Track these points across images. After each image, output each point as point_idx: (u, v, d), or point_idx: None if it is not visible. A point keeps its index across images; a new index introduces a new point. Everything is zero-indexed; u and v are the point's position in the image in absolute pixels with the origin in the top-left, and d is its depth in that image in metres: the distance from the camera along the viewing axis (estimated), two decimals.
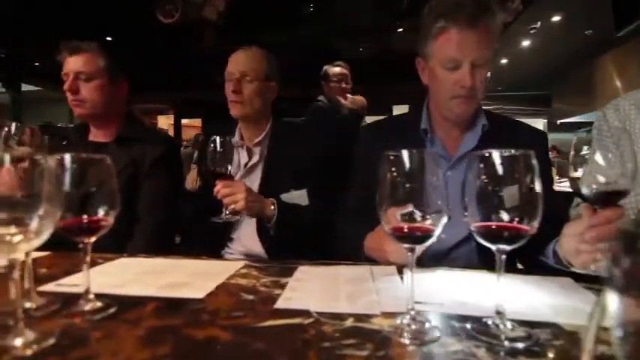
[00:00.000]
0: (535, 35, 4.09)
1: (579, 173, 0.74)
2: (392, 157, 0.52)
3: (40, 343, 0.47)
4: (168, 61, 5.92)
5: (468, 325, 0.53)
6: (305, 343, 0.48)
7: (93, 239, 0.59)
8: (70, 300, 0.62)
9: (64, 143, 1.32)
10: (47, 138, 1.06)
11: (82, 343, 0.48)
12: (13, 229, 0.46)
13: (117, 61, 1.29)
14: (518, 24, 3.81)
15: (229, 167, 1.12)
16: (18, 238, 0.47)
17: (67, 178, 0.56)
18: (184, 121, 9.02)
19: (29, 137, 0.86)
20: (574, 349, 0.48)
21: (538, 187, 0.50)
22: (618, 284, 0.23)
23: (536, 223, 0.50)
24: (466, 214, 0.53)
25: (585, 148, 0.77)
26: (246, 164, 1.36)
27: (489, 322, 0.52)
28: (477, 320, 0.54)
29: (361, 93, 3.41)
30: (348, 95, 2.77)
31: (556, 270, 0.79)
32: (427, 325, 0.52)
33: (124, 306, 0.59)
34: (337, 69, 2.74)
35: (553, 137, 4.58)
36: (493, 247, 0.52)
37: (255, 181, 1.33)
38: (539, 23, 3.80)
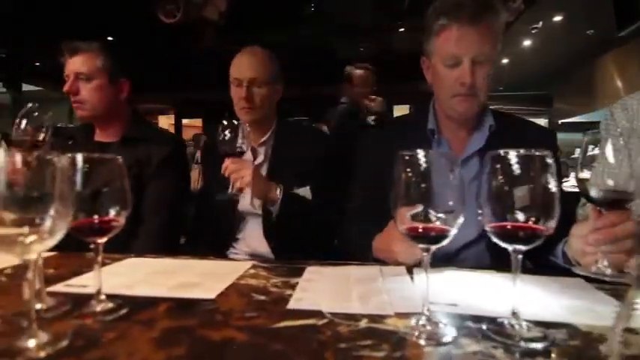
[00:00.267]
0: (536, 35, 4.10)
1: (587, 174, 0.74)
2: (407, 157, 0.51)
3: (53, 345, 0.47)
4: (169, 61, 5.92)
5: (484, 326, 0.53)
6: (321, 344, 0.47)
7: (104, 240, 0.59)
8: (80, 301, 0.62)
9: (70, 143, 1.31)
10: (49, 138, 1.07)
11: (96, 345, 0.47)
12: (26, 230, 0.46)
13: (117, 61, 1.28)
14: (519, 24, 3.81)
15: (243, 146, 1.12)
16: (32, 238, 0.46)
17: (79, 178, 0.55)
18: (185, 121, 9.02)
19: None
20: (591, 350, 0.48)
21: (554, 187, 0.50)
22: None
23: (552, 224, 0.49)
24: (480, 212, 0.52)
25: (591, 147, 0.77)
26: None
27: (505, 322, 0.52)
28: (491, 321, 0.54)
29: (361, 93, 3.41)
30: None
31: (566, 270, 0.79)
32: (442, 325, 0.52)
33: (135, 307, 0.59)
34: (361, 71, 2.66)
35: None
36: (509, 248, 0.52)
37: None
38: (540, 23, 3.80)
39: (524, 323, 0.51)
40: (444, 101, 1.05)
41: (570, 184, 2.32)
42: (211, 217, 1.37)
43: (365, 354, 0.45)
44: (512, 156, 0.50)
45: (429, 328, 0.51)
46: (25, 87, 6.26)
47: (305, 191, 1.31)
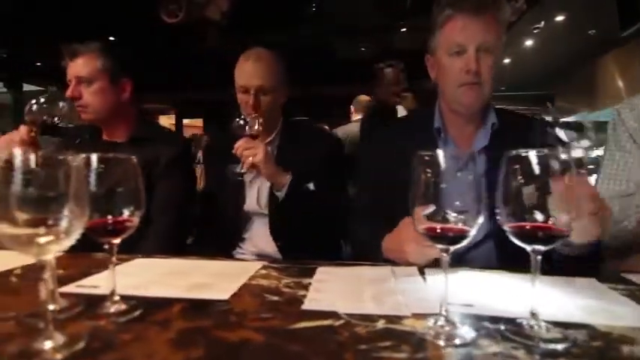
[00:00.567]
0: (538, 35, 4.10)
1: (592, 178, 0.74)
2: (426, 158, 0.51)
3: (70, 347, 0.46)
4: (169, 61, 5.91)
5: (502, 327, 0.52)
6: (340, 346, 0.47)
7: (118, 240, 0.58)
8: (93, 301, 0.61)
9: (78, 142, 1.31)
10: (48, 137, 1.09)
11: (113, 347, 0.47)
12: (42, 230, 0.46)
13: (118, 61, 1.27)
14: (521, 23, 3.81)
15: (256, 127, 1.17)
16: (48, 238, 0.46)
17: (94, 178, 0.55)
18: (185, 121, 9.01)
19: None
20: (612, 351, 0.47)
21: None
22: None
23: (573, 224, 0.49)
24: (498, 211, 0.52)
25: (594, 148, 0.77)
26: None
27: (524, 323, 0.52)
28: (509, 321, 0.53)
29: (362, 93, 3.40)
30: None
31: (577, 271, 0.78)
32: (460, 326, 0.52)
33: (149, 307, 0.59)
34: (389, 69, 2.58)
35: None
36: (528, 248, 0.52)
37: (265, 181, 1.32)
38: (542, 23, 3.80)
39: (543, 324, 0.51)
40: (449, 94, 1.05)
41: None
42: (217, 218, 1.37)
43: (385, 355, 0.45)
44: (532, 156, 0.50)
45: (447, 328, 0.51)
46: (26, 87, 6.25)
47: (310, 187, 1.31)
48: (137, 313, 0.57)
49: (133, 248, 1.09)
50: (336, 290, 0.68)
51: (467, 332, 0.50)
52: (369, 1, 4.48)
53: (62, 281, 0.71)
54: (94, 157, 0.55)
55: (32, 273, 0.79)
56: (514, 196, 0.51)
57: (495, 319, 0.55)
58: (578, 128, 0.76)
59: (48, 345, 0.46)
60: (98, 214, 0.55)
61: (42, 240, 0.46)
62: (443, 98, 1.11)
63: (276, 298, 0.64)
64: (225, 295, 0.65)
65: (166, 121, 9.11)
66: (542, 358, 0.45)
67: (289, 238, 1.29)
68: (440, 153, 0.50)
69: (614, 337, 0.50)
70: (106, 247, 0.58)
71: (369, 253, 1.01)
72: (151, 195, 1.21)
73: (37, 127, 1.07)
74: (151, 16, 3.90)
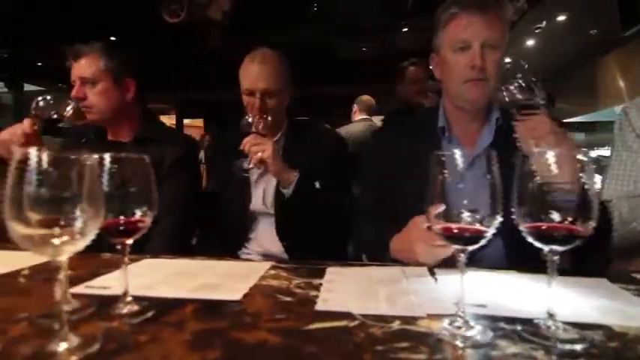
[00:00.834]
0: (540, 35, 4.10)
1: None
2: (443, 158, 0.51)
3: (85, 349, 0.46)
4: (170, 60, 5.89)
5: (518, 327, 0.52)
6: (357, 347, 0.47)
7: (131, 241, 0.58)
8: (104, 302, 0.61)
9: (83, 141, 1.30)
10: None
11: (128, 348, 0.47)
12: (57, 231, 0.45)
13: (121, 61, 1.27)
14: (523, 23, 3.81)
15: (260, 127, 1.18)
16: (63, 239, 0.45)
17: (106, 178, 0.55)
18: (186, 121, 9.00)
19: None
20: (629, 351, 0.47)
21: (593, 187, 0.49)
22: None
23: (591, 224, 0.49)
24: (513, 210, 0.52)
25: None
26: None
27: (540, 323, 0.51)
28: (525, 322, 0.53)
29: (363, 93, 3.40)
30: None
31: (588, 271, 0.78)
32: (477, 327, 0.51)
33: (162, 308, 0.58)
34: (412, 67, 2.50)
35: None
36: (545, 249, 0.51)
37: (272, 179, 1.32)
38: (544, 23, 3.80)
39: (560, 324, 0.50)
40: (454, 90, 1.05)
41: None
42: (223, 218, 1.36)
43: (403, 356, 0.44)
44: (550, 156, 0.50)
45: (463, 329, 0.50)
46: (27, 87, 6.25)
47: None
48: (150, 314, 0.56)
49: (137, 248, 1.09)
50: (348, 291, 0.67)
51: (484, 333, 0.50)
52: (370, 1, 4.48)
53: (71, 282, 0.70)
54: (107, 157, 0.55)
55: (40, 273, 0.79)
56: (530, 197, 0.50)
57: (511, 320, 0.54)
58: (529, 88, 0.84)
59: (63, 347, 0.46)
60: (111, 214, 0.55)
61: (57, 241, 0.45)
62: (447, 96, 1.11)
63: (288, 298, 0.64)
64: (236, 296, 0.64)
65: (167, 121, 9.09)
66: (561, 359, 0.45)
67: (295, 237, 1.28)
68: (457, 153, 0.50)
69: (630, 338, 0.50)
70: (119, 247, 0.58)
71: (375, 253, 1.00)
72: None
73: (42, 123, 1.08)
74: (152, 15, 3.89)
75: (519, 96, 0.85)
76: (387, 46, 5.66)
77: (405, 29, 4.92)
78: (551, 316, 0.51)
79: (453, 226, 0.51)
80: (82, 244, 0.47)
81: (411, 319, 0.55)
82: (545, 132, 0.80)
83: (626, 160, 1.11)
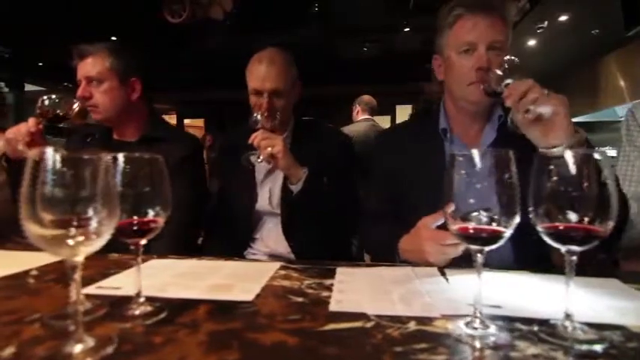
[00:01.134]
0: (542, 35, 4.09)
1: None
2: (460, 158, 0.50)
3: (100, 350, 0.46)
4: (171, 60, 5.89)
5: (535, 328, 0.52)
6: (375, 348, 0.46)
7: (144, 241, 0.58)
8: (116, 303, 0.61)
9: (88, 141, 1.30)
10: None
11: (145, 350, 0.46)
12: (73, 231, 0.45)
13: (127, 60, 1.26)
14: (525, 23, 3.81)
15: (268, 125, 1.18)
16: (78, 239, 0.45)
17: (120, 178, 0.54)
18: (186, 121, 8.99)
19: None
20: None
21: (612, 186, 0.49)
22: None
23: (610, 224, 0.48)
24: (530, 209, 0.51)
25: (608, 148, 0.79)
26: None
27: (558, 324, 0.51)
28: (542, 323, 0.53)
29: (365, 93, 3.40)
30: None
31: (600, 271, 0.78)
32: (494, 327, 0.51)
33: (174, 309, 0.58)
34: None
35: None
36: (562, 249, 0.51)
37: (278, 179, 1.32)
38: (546, 23, 3.80)
39: (578, 325, 0.50)
40: (458, 92, 1.05)
41: None
42: (228, 218, 1.36)
43: (423, 357, 0.44)
44: (569, 155, 0.49)
45: (481, 330, 0.50)
46: (28, 87, 6.24)
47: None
48: (163, 315, 0.56)
49: (144, 248, 1.09)
50: (361, 291, 0.67)
51: (501, 334, 0.50)
52: (372, 1, 4.47)
53: (82, 282, 0.70)
54: (120, 157, 0.54)
55: (49, 274, 0.79)
56: (548, 196, 0.50)
57: (527, 321, 0.54)
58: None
59: (78, 348, 0.45)
60: (124, 214, 0.54)
61: (72, 241, 0.45)
62: (450, 97, 1.11)
63: (300, 299, 0.63)
64: (249, 297, 0.64)
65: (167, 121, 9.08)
66: None
67: (302, 237, 1.28)
68: (474, 153, 0.49)
69: None
70: (132, 247, 0.57)
71: (383, 254, 1.00)
72: None
73: (47, 122, 1.08)
74: (153, 15, 3.89)
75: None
76: (388, 47, 5.65)
77: (407, 29, 4.91)
78: (568, 316, 0.51)
79: (470, 226, 0.51)
80: (97, 244, 0.46)
81: (427, 320, 0.54)
82: (539, 94, 0.81)
83: (634, 160, 1.11)
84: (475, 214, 0.51)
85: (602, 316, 0.56)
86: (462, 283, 0.73)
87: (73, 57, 1.21)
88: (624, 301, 0.63)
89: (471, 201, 0.51)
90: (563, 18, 3.83)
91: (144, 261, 0.88)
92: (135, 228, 0.56)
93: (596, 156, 0.49)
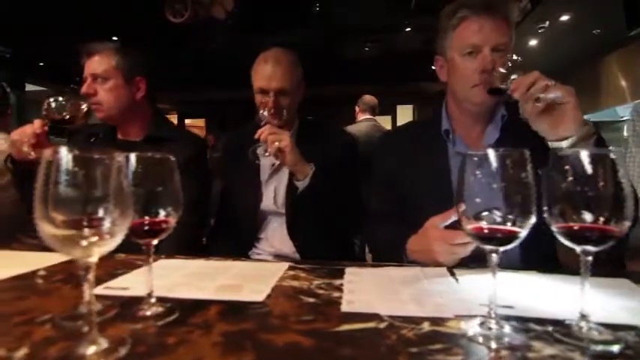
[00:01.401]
0: (543, 34, 4.09)
1: None
2: (475, 158, 0.50)
3: (114, 352, 0.45)
4: (171, 60, 5.89)
5: (549, 328, 0.51)
6: (390, 349, 0.46)
7: (156, 241, 0.57)
8: (126, 304, 0.60)
9: (92, 140, 1.29)
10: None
11: (159, 351, 0.46)
12: (86, 231, 0.45)
13: (134, 60, 1.26)
14: (526, 23, 3.81)
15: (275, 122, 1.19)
16: (92, 239, 0.45)
17: (131, 178, 0.54)
18: (187, 122, 8.98)
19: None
20: None
21: (627, 185, 0.48)
22: None
23: (626, 223, 0.48)
24: (545, 209, 0.51)
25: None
26: (273, 164, 1.35)
27: (573, 324, 0.51)
28: (556, 323, 0.52)
29: (365, 93, 3.40)
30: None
31: (609, 271, 0.78)
32: (509, 328, 0.51)
33: (185, 310, 0.58)
34: None
35: None
36: (578, 249, 0.51)
37: (283, 178, 1.31)
38: (547, 22, 3.80)
39: (593, 325, 0.50)
40: (462, 94, 1.05)
41: None
42: (233, 218, 1.36)
43: (440, 358, 0.44)
44: (584, 155, 0.49)
45: (495, 331, 0.50)
46: (29, 87, 6.23)
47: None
48: (175, 315, 0.56)
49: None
50: (371, 292, 0.67)
51: (516, 334, 0.49)
52: (373, 2, 4.47)
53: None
54: (132, 157, 0.54)
55: (56, 274, 0.78)
56: (563, 196, 0.50)
57: (541, 321, 0.54)
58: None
59: (92, 350, 0.45)
60: (136, 214, 0.54)
61: (86, 241, 0.45)
62: (453, 99, 1.11)
63: (311, 299, 0.63)
64: (259, 297, 0.64)
65: None
66: None
67: (307, 237, 1.28)
68: (491, 152, 0.49)
69: None
70: (144, 248, 0.57)
71: (390, 255, 1.00)
72: None
73: (53, 124, 1.08)
74: (154, 15, 3.88)
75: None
76: (389, 47, 5.65)
77: (408, 29, 4.91)
78: (583, 317, 0.50)
79: (485, 226, 0.50)
80: (111, 244, 0.46)
81: (440, 320, 0.54)
82: (547, 82, 0.81)
83: None
84: (486, 213, 0.50)
85: (615, 317, 0.56)
86: (472, 283, 0.72)
87: (81, 55, 1.21)
88: (637, 302, 0.63)
89: (485, 201, 0.50)
90: (564, 18, 3.83)
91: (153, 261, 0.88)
92: (146, 228, 0.55)
93: (612, 155, 0.49)
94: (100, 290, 0.68)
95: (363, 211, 1.25)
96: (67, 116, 1.07)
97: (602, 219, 0.49)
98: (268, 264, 0.90)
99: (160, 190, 0.56)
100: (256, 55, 1.31)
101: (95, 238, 0.45)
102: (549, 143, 0.86)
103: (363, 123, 3.10)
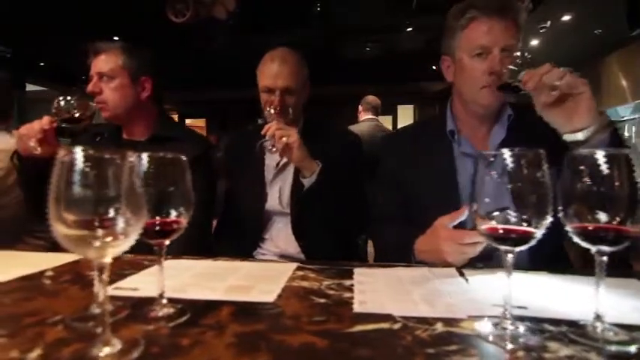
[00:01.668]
0: (544, 34, 4.10)
1: None
2: (491, 158, 0.50)
3: (128, 353, 0.45)
4: (171, 60, 5.89)
5: (564, 329, 0.51)
6: (407, 350, 0.46)
7: (168, 242, 0.57)
8: (137, 304, 0.60)
9: (97, 140, 1.29)
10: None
11: (173, 353, 0.45)
12: (100, 232, 0.44)
13: (140, 60, 1.26)
14: (527, 23, 3.81)
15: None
16: (106, 240, 0.44)
17: (144, 178, 0.54)
18: (188, 121, 8.97)
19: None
20: None
21: None
22: None
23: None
24: (560, 208, 0.51)
25: None
26: (277, 164, 1.34)
27: (587, 325, 0.51)
28: (571, 324, 0.52)
29: (366, 93, 3.40)
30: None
31: (616, 272, 0.77)
32: (523, 329, 0.50)
33: (197, 310, 0.57)
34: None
35: None
36: (593, 249, 0.50)
37: (288, 178, 1.31)
38: (549, 22, 3.80)
39: (608, 326, 0.50)
40: (469, 95, 1.04)
41: None
42: (237, 218, 1.35)
43: (457, 359, 0.44)
44: (600, 155, 0.49)
45: (510, 331, 0.50)
46: (29, 87, 6.23)
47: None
48: (187, 316, 0.55)
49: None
50: (382, 292, 0.66)
51: (531, 335, 0.49)
52: (375, 1, 4.47)
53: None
54: (144, 156, 0.54)
55: (64, 274, 0.78)
56: (578, 197, 0.50)
57: (555, 322, 0.53)
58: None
59: (106, 351, 0.45)
60: (149, 214, 0.53)
61: (100, 242, 0.44)
62: (460, 99, 1.10)
63: (323, 300, 0.63)
64: (270, 298, 0.63)
65: None
66: None
67: (312, 237, 1.27)
68: (506, 152, 0.49)
69: None
70: (156, 248, 0.57)
71: (397, 255, 0.99)
72: None
73: (62, 122, 1.08)
74: (156, 15, 3.88)
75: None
76: (391, 47, 5.65)
77: (409, 29, 4.91)
78: (598, 317, 0.50)
79: (500, 226, 0.50)
80: (125, 244, 0.46)
81: (453, 321, 0.54)
82: (562, 71, 0.79)
83: None
84: (499, 213, 0.50)
85: (628, 317, 0.56)
86: (482, 283, 0.72)
87: (87, 54, 1.21)
88: None
89: (500, 201, 0.50)
90: (565, 18, 3.84)
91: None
92: (158, 229, 0.55)
93: (628, 155, 0.49)
94: (109, 291, 0.67)
95: (367, 211, 1.24)
96: (77, 114, 1.07)
97: (617, 219, 0.48)
98: (276, 264, 0.90)
99: (172, 191, 0.56)
100: (257, 55, 1.31)
101: (109, 239, 0.44)
102: (564, 136, 0.84)
103: (365, 123, 3.10)
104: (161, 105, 1.35)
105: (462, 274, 0.77)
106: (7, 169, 1.31)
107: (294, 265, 0.84)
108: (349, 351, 0.46)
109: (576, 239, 0.51)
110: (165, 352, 0.46)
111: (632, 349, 0.46)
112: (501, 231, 0.50)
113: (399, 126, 7.50)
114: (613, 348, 0.46)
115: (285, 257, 1.28)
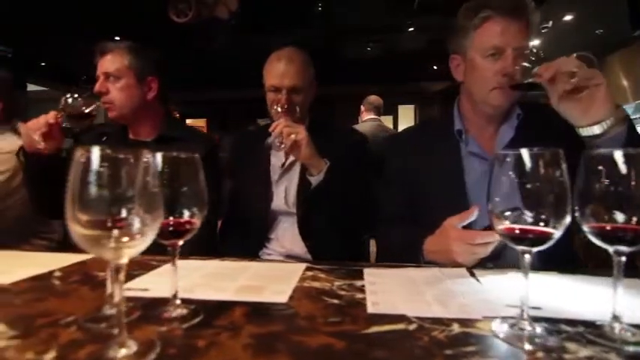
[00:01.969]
0: (546, 34, 4.10)
1: None
2: (508, 159, 0.49)
3: (145, 355, 0.45)
4: (172, 60, 5.89)
5: (581, 329, 0.51)
6: (426, 351, 0.45)
7: (181, 242, 0.57)
8: (149, 305, 0.60)
9: (103, 140, 1.29)
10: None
11: (190, 354, 0.45)
12: (116, 232, 0.44)
13: (147, 60, 1.26)
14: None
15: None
16: (123, 240, 0.44)
17: (158, 178, 0.53)
18: (189, 121, 8.96)
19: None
20: None
21: None
22: None
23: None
24: (577, 208, 0.51)
25: None
26: (283, 164, 1.34)
27: (605, 325, 0.50)
28: (589, 325, 0.52)
29: (367, 93, 3.40)
30: None
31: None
32: (541, 329, 0.50)
33: (210, 311, 0.57)
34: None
35: None
36: (610, 249, 0.50)
37: (294, 177, 1.31)
38: (550, 22, 3.80)
39: (626, 326, 0.49)
40: (480, 96, 1.03)
41: None
42: (243, 218, 1.35)
43: None
44: (617, 155, 0.48)
45: (527, 332, 0.49)
46: (30, 87, 6.22)
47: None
48: (200, 317, 0.55)
49: (159, 248, 1.08)
50: (394, 293, 0.66)
51: (549, 336, 0.49)
52: (376, 1, 4.47)
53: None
54: (158, 156, 0.53)
55: (73, 275, 0.78)
56: (595, 197, 0.49)
57: (572, 322, 0.53)
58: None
59: (122, 353, 0.44)
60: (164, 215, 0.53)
61: (114, 242, 0.44)
62: (469, 99, 1.10)
63: (336, 301, 0.62)
64: (282, 299, 0.63)
65: None
66: None
67: (318, 237, 1.27)
68: (524, 152, 0.49)
69: None
70: (169, 249, 0.56)
71: (404, 255, 0.99)
72: None
73: (68, 119, 1.09)
74: (157, 15, 3.87)
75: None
76: (392, 47, 5.65)
77: (411, 29, 4.91)
78: (616, 318, 0.50)
79: (516, 227, 0.50)
80: (142, 245, 0.45)
81: (469, 322, 0.53)
82: (577, 61, 0.78)
83: None
84: (517, 213, 0.50)
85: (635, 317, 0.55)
86: (494, 283, 0.72)
87: (94, 54, 1.21)
88: None
89: (517, 201, 0.50)
90: (567, 18, 3.84)
91: (168, 262, 0.87)
92: (171, 229, 0.55)
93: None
94: None
95: (373, 210, 1.24)
96: (85, 110, 1.08)
97: (634, 219, 0.48)
98: (285, 264, 0.89)
99: (185, 191, 0.56)
100: (257, 55, 1.31)
101: (126, 239, 0.44)
102: (580, 130, 0.82)
103: (367, 123, 3.10)
104: (167, 105, 1.34)
105: (472, 275, 0.77)
106: (13, 170, 1.31)
107: (303, 265, 0.84)
108: (367, 352, 0.45)
109: (593, 239, 0.50)
110: (182, 353, 0.45)
111: None
112: (518, 231, 0.50)
113: (400, 126, 7.51)
114: (631, 349, 0.46)
115: (292, 257, 1.27)
